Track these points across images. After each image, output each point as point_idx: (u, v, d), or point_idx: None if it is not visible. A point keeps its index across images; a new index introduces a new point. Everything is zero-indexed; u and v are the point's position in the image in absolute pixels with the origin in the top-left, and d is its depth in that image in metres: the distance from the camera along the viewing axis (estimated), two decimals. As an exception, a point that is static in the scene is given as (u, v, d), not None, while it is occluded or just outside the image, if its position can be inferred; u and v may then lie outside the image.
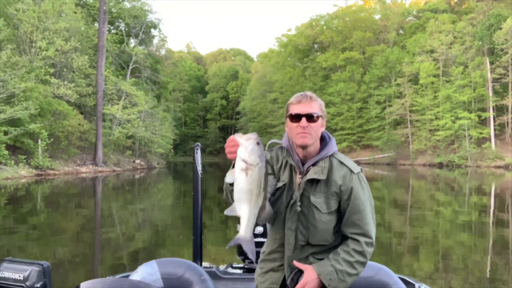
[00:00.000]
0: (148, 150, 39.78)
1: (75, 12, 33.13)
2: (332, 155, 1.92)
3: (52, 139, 26.19)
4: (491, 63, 43.08)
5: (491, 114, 42.63)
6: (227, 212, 1.75)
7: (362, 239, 1.89)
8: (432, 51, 47.18)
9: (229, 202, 1.88)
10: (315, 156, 1.91)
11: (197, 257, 3.91)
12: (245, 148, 1.67)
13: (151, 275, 2.80)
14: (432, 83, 46.50)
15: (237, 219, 1.72)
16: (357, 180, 1.91)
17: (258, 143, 1.67)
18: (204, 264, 4.03)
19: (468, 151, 40.86)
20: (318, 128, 1.88)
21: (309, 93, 1.91)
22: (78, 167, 29.58)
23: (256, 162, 1.66)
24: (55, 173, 26.34)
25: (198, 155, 3.92)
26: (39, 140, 25.36)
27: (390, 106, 50.42)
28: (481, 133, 41.71)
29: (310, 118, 1.85)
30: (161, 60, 48.56)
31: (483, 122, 43.78)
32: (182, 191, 19.80)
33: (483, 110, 43.49)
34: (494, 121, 42.71)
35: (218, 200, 15.92)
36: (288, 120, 1.92)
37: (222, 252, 7.14)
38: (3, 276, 2.40)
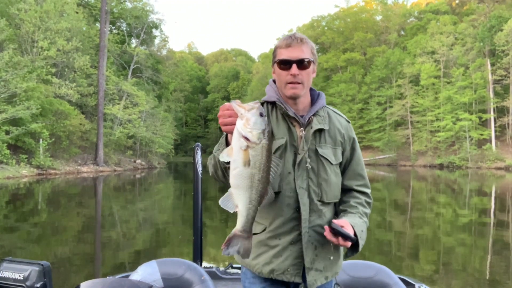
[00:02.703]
0: (149, 150, 39.81)
1: (77, 12, 33.21)
2: (325, 106, 1.80)
3: (53, 139, 26.22)
4: (492, 64, 43.06)
5: (491, 115, 42.61)
6: (222, 202, 1.48)
7: (367, 190, 1.82)
8: (433, 53, 47.17)
9: (218, 179, 1.67)
10: (313, 106, 1.74)
11: (197, 257, 3.92)
12: (246, 120, 1.38)
13: (151, 275, 2.80)
14: (433, 84, 46.50)
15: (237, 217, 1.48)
16: (353, 129, 1.85)
17: (261, 114, 1.40)
18: (204, 264, 4.04)
19: (468, 152, 40.83)
20: (310, 75, 1.70)
21: (299, 34, 1.70)
22: (79, 167, 29.61)
23: (260, 139, 1.39)
24: (56, 172, 26.37)
25: (198, 155, 3.93)
26: (41, 140, 25.39)
27: (391, 107, 50.43)
28: (481, 135, 41.69)
29: (301, 64, 1.65)
30: (162, 60, 48.61)
31: (484, 123, 43.76)
32: (182, 192, 19.81)
33: (484, 111, 43.48)
34: (495, 123, 42.69)
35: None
36: (276, 66, 1.71)
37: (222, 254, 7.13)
38: (3, 276, 2.41)
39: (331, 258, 1.72)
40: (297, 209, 1.66)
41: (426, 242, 8.50)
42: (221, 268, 3.92)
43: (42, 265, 2.41)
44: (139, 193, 18.72)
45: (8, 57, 24.00)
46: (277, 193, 1.65)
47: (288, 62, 1.65)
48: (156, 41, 48.70)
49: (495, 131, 42.43)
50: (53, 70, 29.35)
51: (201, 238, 3.99)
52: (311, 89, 1.78)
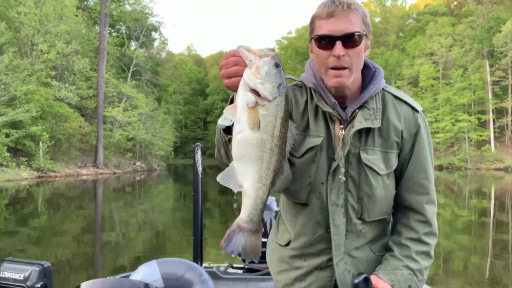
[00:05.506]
0: (148, 152, 39.84)
1: (76, 15, 33.31)
2: (383, 89, 1.36)
3: (53, 142, 26.26)
4: (491, 65, 43.17)
5: (490, 116, 42.69)
6: (222, 178, 1.15)
7: (430, 210, 1.34)
8: (432, 54, 47.28)
9: (221, 160, 1.31)
10: (362, 93, 1.32)
11: (198, 257, 3.92)
12: (255, 69, 1.08)
13: (151, 275, 2.81)
14: (432, 85, 46.59)
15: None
16: (423, 122, 1.36)
17: (277, 64, 1.09)
18: (204, 264, 4.05)
19: (468, 153, 40.86)
20: (361, 54, 1.29)
21: None
22: (79, 169, 29.62)
23: (274, 95, 1.08)
24: (56, 175, 26.37)
25: (198, 155, 3.93)
26: (40, 143, 25.41)
27: (390, 108, 50.53)
28: (480, 136, 41.75)
29: (349, 40, 1.24)
30: (161, 63, 48.73)
31: (483, 124, 43.83)
32: (182, 194, 19.81)
33: (483, 112, 43.57)
34: (494, 124, 42.75)
35: (219, 202, 15.94)
36: (313, 44, 1.29)
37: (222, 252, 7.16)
38: (3, 276, 2.41)
39: None
40: (329, 229, 1.33)
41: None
42: (221, 268, 3.93)
43: (43, 265, 2.41)
44: (139, 195, 18.72)
45: (8, 60, 24.03)
46: (304, 205, 1.34)
47: (330, 38, 1.24)
48: (156, 43, 48.90)
49: (494, 132, 42.48)
50: (53, 73, 29.41)
51: (201, 238, 4.00)
52: (364, 65, 1.35)
